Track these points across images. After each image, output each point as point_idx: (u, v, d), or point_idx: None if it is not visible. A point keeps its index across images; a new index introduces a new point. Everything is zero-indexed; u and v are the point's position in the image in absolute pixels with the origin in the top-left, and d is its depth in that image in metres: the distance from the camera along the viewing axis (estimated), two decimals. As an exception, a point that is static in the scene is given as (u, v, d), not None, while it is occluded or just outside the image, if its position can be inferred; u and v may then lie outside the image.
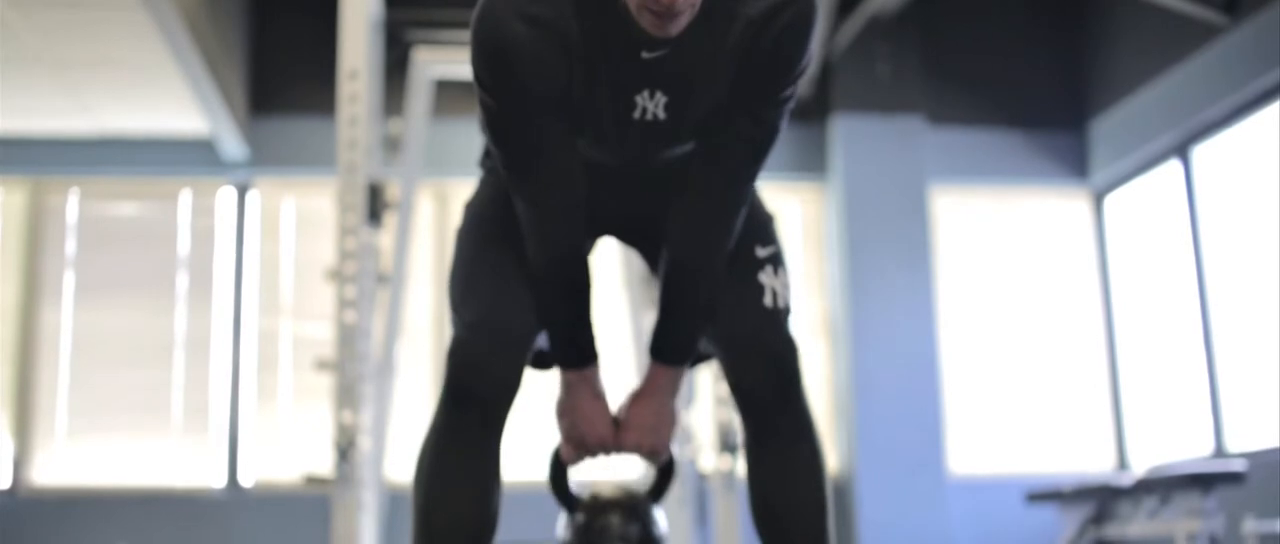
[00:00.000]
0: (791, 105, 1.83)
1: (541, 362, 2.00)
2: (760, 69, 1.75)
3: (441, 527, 1.86)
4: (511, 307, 1.88)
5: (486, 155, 2.02)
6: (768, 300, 1.90)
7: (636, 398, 1.98)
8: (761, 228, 1.97)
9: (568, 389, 1.97)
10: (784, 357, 1.88)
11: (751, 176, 1.88)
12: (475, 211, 2.00)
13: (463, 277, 1.94)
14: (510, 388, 1.89)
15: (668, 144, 1.84)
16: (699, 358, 2.07)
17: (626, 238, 2.14)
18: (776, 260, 1.95)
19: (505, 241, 1.90)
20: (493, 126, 1.79)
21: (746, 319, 1.88)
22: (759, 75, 1.76)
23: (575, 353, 1.93)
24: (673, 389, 1.98)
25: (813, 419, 1.93)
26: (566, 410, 1.98)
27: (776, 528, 1.89)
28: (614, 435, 1.99)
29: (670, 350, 1.95)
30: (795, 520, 1.88)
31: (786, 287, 1.94)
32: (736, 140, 1.82)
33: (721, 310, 1.91)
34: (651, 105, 1.77)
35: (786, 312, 1.92)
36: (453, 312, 1.92)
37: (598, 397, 1.97)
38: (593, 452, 2.00)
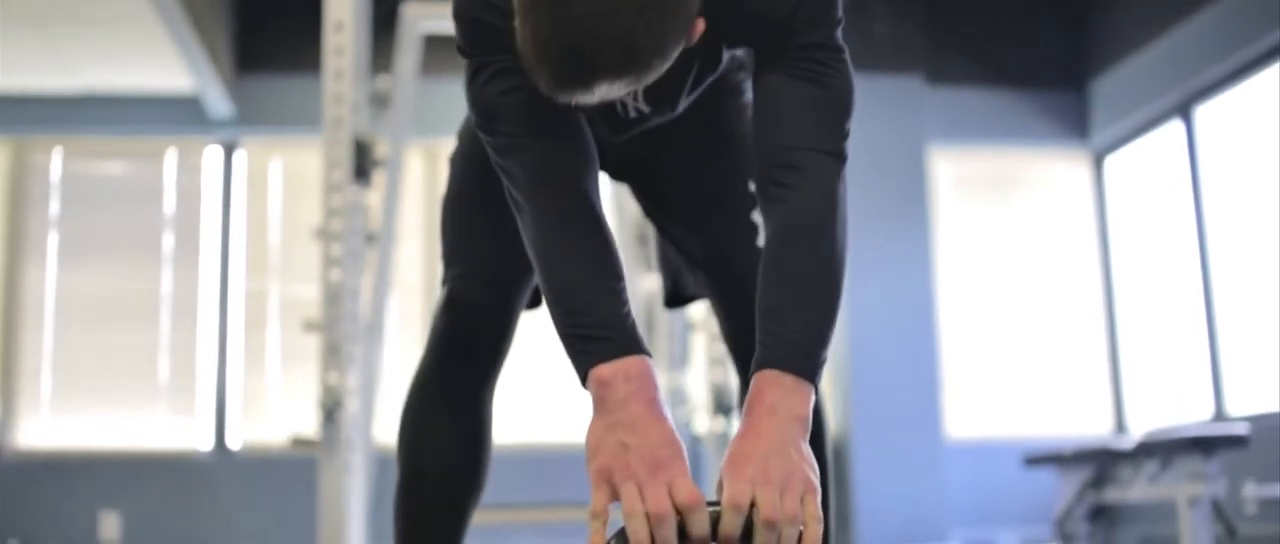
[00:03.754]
0: (831, 21, 1.51)
1: (537, 299, 1.88)
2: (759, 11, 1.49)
3: (428, 482, 1.78)
4: (508, 254, 1.78)
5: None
6: (762, 241, 1.77)
7: (741, 434, 1.34)
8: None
9: (609, 404, 1.33)
10: None
11: (833, 104, 1.52)
12: (468, 140, 1.83)
13: (456, 217, 1.82)
14: (505, 340, 1.81)
15: (651, 125, 1.68)
16: (684, 298, 1.96)
17: (616, 173, 1.88)
18: None
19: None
20: (486, 90, 1.47)
21: (739, 263, 1.74)
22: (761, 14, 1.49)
23: (614, 337, 1.35)
24: (797, 417, 1.33)
25: None
26: (612, 444, 1.31)
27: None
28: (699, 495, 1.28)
29: (758, 355, 1.38)
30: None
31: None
32: (792, 76, 1.49)
33: (712, 254, 1.79)
34: (634, 102, 1.62)
35: None
36: (444, 255, 1.82)
37: (660, 413, 1.33)
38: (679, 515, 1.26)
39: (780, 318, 1.39)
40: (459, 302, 1.78)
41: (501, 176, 1.48)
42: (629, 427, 1.31)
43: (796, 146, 1.47)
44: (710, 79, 1.63)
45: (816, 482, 1.31)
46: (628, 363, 1.34)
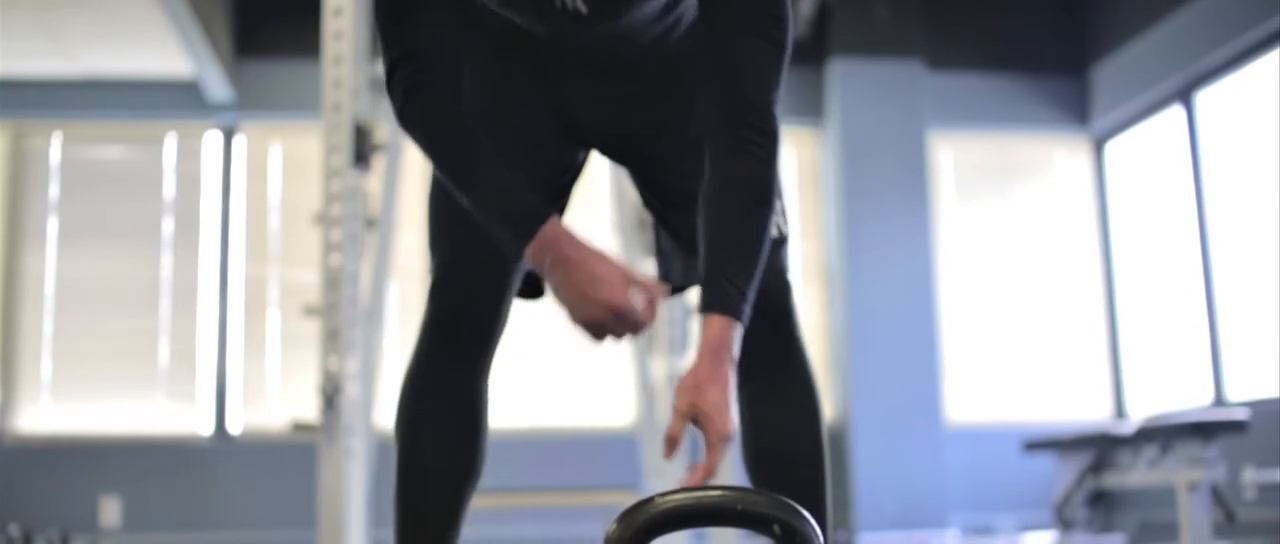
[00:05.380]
0: None
1: (531, 289, 1.89)
2: None
3: (426, 468, 1.79)
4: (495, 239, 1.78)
5: None
6: None
7: (706, 367, 1.57)
8: None
9: (546, 258, 1.58)
10: (775, 294, 1.76)
11: (770, 55, 1.62)
12: None
13: (441, 204, 1.82)
14: (495, 325, 1.81)
15: (591, 32, 1.70)
16: (679, 287, 1.96)
17: (610, 151, 1.90)
18: None
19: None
20: None
21: None
22: None
23: (519, 209, 1.58)
24: (718, 347, 1.56)
25: (807, 359, 1.82)
26: (567, 282, 1.56)
27: (770, 472, 1.79)
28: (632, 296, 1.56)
29: (709, 295, 1.58)
30: (790, 465, 1.79)
31: (780, 212, 1.78)
32: (738, 31, 1.61)
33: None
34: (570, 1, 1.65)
35: (780, 242, 1.78)
36: (430, 243, 1.83)
37: (586, 247, 1.58)
38: (620, 310, 1.55)
39: (735, 267, 1.58)
40: (445, 289, 1.78)
41: (405, 117, 1.63)
42: (571, 259, 1.56)
43: (759, 105, 1.61)
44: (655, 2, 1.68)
45: (730, 392, 1.56)
46: (546, 230, 1.57)
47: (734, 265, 1.58)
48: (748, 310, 1.59)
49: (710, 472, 1.51)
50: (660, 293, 1.59)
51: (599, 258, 1.57)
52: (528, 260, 1.59)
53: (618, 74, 1.76)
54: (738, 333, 1.57)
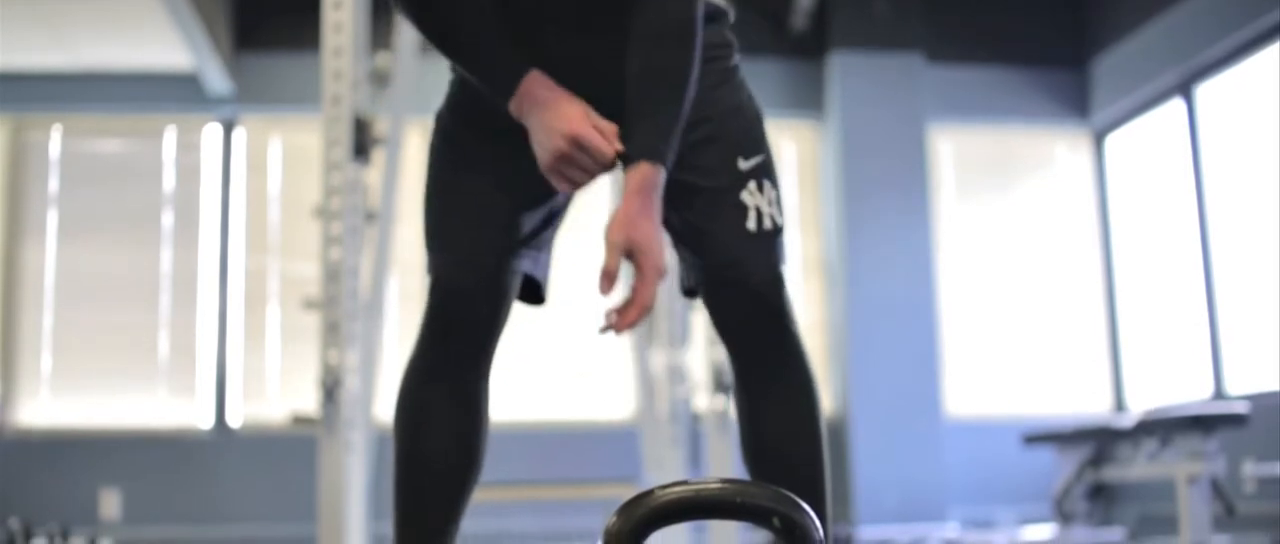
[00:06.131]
0: None
1: (532, 294, 1.89)
2: None
3: (426, 463, 1.79)
4: (491, 236, 1.78)
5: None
6: (751, 223, 1.74)
7: (633, 206, 1.65)
8: (745, 132, 1.79)
9: (522, 106, 1.69)
10: (768, 288, 1.75)
11: None
12: (445, 124, 1.87)
13: (437, 203, 1.83)
14: (495, 322, 1.80)
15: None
16: (689, 291, 1.95)
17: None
18: (763, 172, 1.77)
19: (479, 161, 1.79)
20: None
21: (727, 247, 1.73)
22: None
23: (503, 71, 1.70)
24: (646, 188, 1.62)
25: (804, 353, 1.80)
26: (536, 122, 1.67)
27: (770, 471, 1.78)
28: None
29: (634, 142, 1.65)
30: (789, 463, 1.78)
31: (774, 202, 1.76)
32: None
33: (688, 231, 1.77)
34: None
35: (774, 234, 1.76)
36: (427, 242, 1.83)
37: (558, 91, 1.68)
38: (577, 136, 1.65)
39: (660, 112, 1.65)
40: (445, 287, 1.79)
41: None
42: (545, 113, 1.66)
43: None
44: None
45: (658, 231, 1.65)
46: (526, 82, 1.68)
47: (655, 110, 1.64)
48: (671, 154, 1.64)
49: (643, 305, 1.60)
50: (614, 133, 1.66)
51: (567, 99, 1.66)
52: (512, 112, 1.69)
53: (608, 50, 1.74)
54: (662, 175, 1.63)
